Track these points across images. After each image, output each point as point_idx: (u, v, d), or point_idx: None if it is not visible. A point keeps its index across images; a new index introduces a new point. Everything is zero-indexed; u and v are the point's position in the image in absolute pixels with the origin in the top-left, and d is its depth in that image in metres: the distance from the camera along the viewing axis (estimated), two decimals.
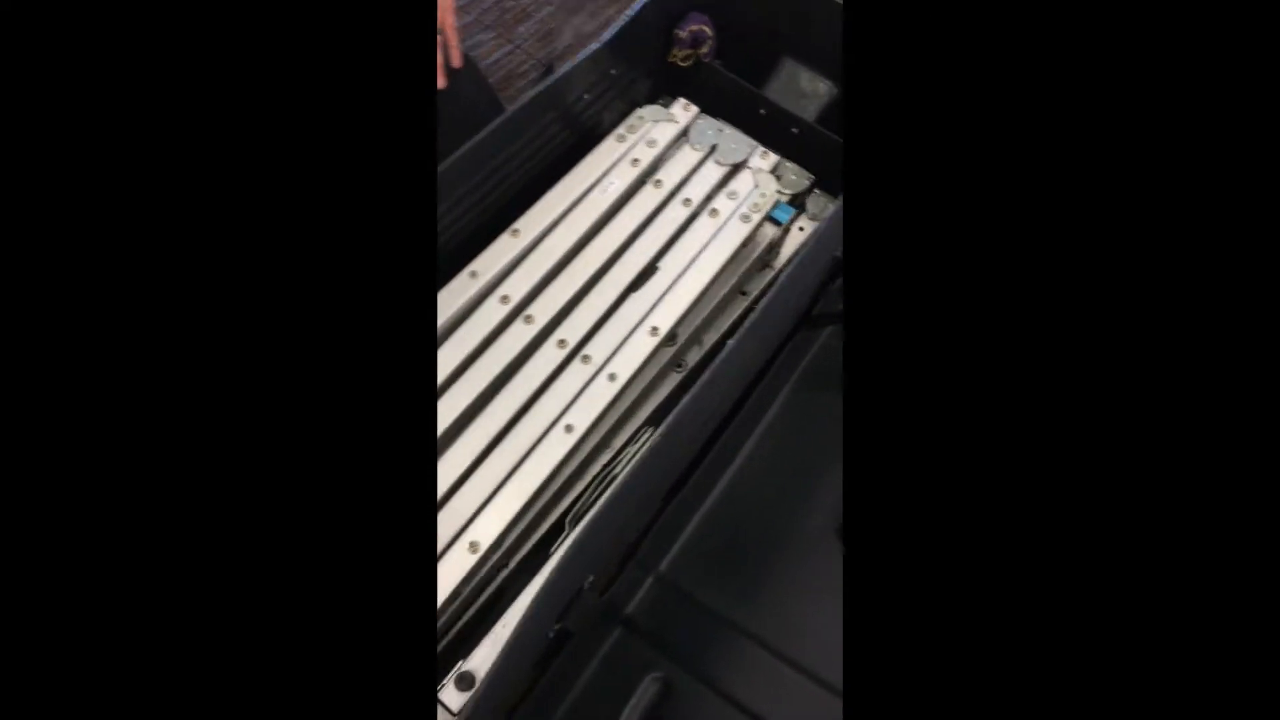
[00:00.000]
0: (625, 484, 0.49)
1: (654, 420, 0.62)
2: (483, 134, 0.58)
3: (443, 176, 0.57)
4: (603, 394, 0.53)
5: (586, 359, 0.55)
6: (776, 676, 0.56)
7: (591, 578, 0.49)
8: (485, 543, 0.49)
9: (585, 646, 0.58)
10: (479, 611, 0.54)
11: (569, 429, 0.52)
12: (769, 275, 0.68)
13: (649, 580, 0.61)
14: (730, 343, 0.61)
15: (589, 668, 0.58)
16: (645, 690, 0.57)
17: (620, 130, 0.63)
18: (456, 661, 0.50)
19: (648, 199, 0.60)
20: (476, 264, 0.57)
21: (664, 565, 0.61)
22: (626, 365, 0.54)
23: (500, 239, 0.58)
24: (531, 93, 0.60)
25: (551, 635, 0.48)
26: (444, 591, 0.47)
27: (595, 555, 0.49)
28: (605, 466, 0.59)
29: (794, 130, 0.68)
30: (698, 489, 0.64)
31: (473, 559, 0.48)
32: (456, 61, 0.64)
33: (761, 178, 0.61)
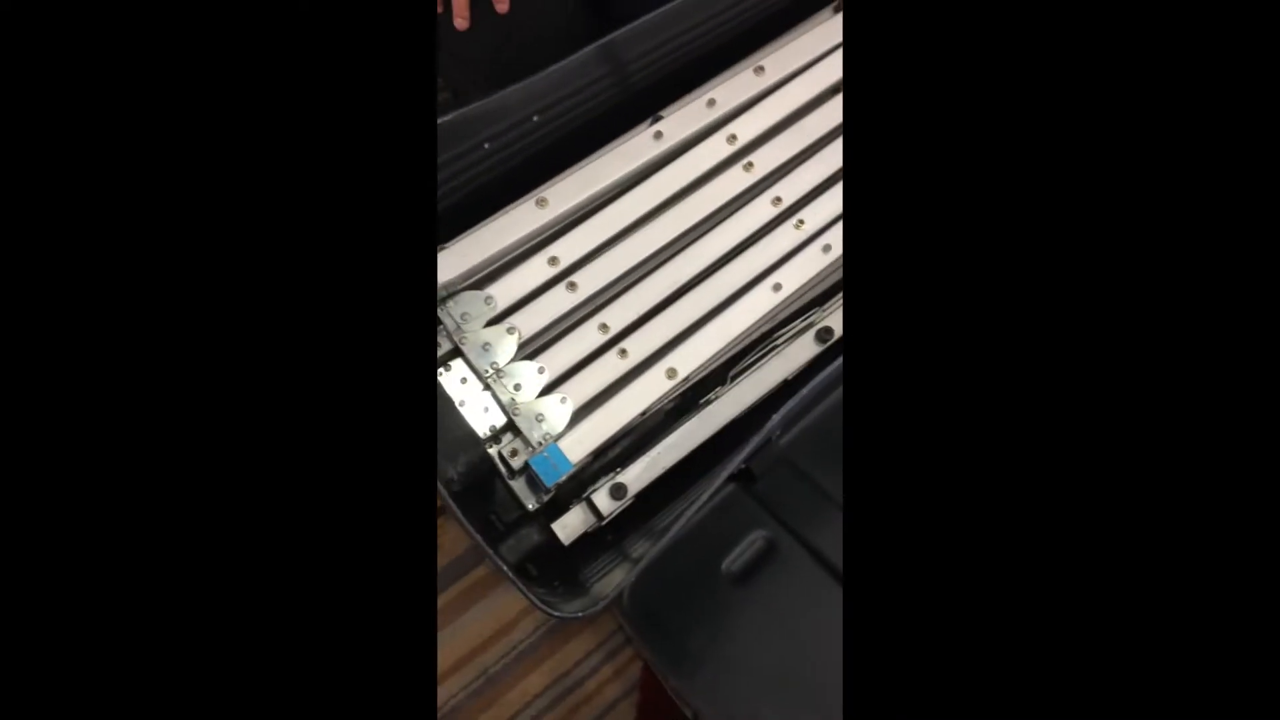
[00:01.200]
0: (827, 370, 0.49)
1: (820, 300, 0.62)
2: None
3: (687, 3, 0.53)
4: (815, 262, 0.53)
5: (801, 223, 0.54)
6: None
7: (779, 432, 0.50)
8: (683, 372, 0.49)
9: (701, 492, 0.62)
10: (632, 433, 0.55)
11: (777, 288, 0.52)
12: None
13: (770, 451, 0.63)
14: None
15: (703, 511, 0.62)
16: (752, 542, 0.61)
17: None
18: (611, 470, 0.53)
19: None
20: (716, 92, 0.54)
21: (784, 441, 0.63)
22: (841, 241, 0.53)
23: (743, 73, 0.55)
24: None
25: (736, 474, 0.50)
26: (638, 408, 0.48)
27: (789, 414, 0.50)
28: (769, 335, 0.59)
29: None
30: (830, 380, 0.66)
31: (668, 384, 0.49)
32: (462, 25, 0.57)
33: None
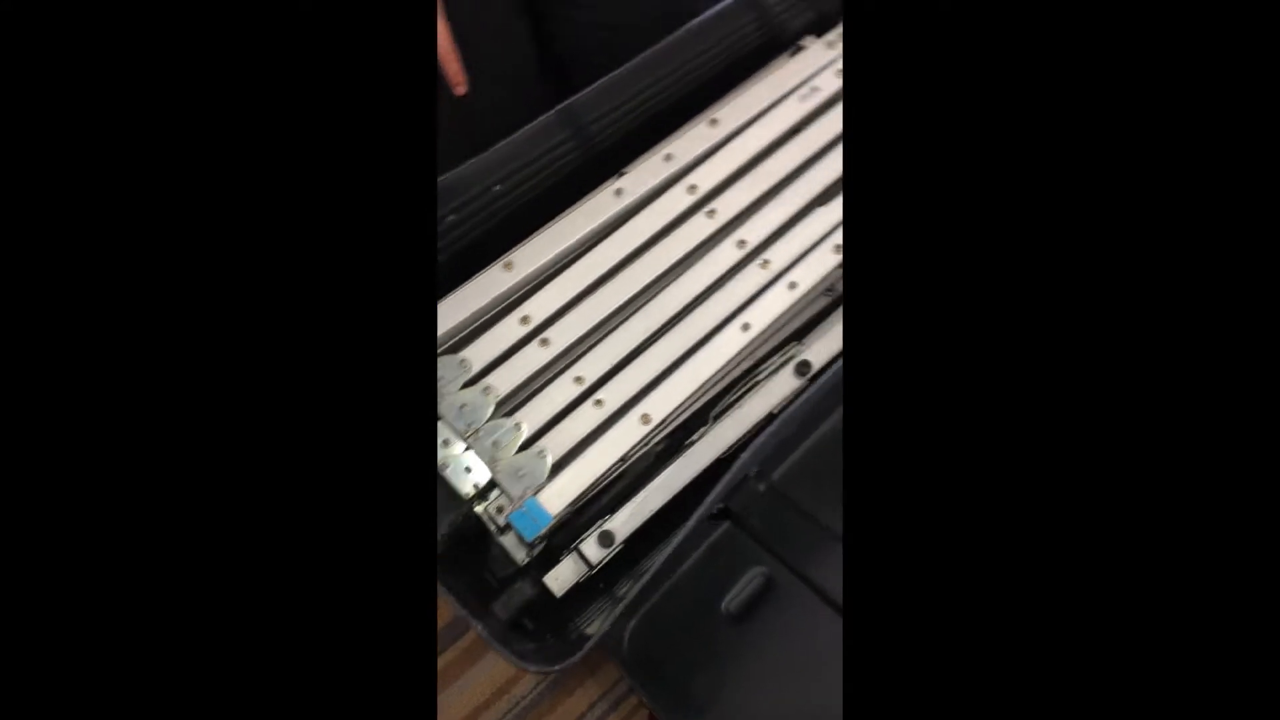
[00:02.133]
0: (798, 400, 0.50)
1: (798, 335, 0.63)
2: (686, 27, 0.57)
3: (646, 61, 0.56)
4: (782, 299, 0.54)
5: (766, 263, 0.55)
6: None
7: (757, 468, 0.51)
8: (656, 417, 0.50)
9: (697, 532, 0.62)
10: (617, 480, 0.56)
11: (745, 327, 0.53)
12: None
13: (761, 486, 0.64)
14: None
15: (697, 551, 0.62)
16: (751, 579, 0.60)
17: (830, 37, 0.60)
18: (598, 520, 0.53)
19: None
20: (672, 147, 0.56)
21: (777, 475, 0.64)
22: (808, 277, 0.55)
23: (698, 126, 0.57)
24: None
25: (714, 513, 0.51)
26: (615, 455, 0.50)
27: (764, 452, 0.51)
28: (748, 373, 0.60)
29: None
30: (820, 412, 0.66)
31: (643, 429, 0.50)
32: (460, 91, 0.60)
33: None
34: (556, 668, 0.40)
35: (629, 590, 0.47)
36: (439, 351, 0.51)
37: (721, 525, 0.64)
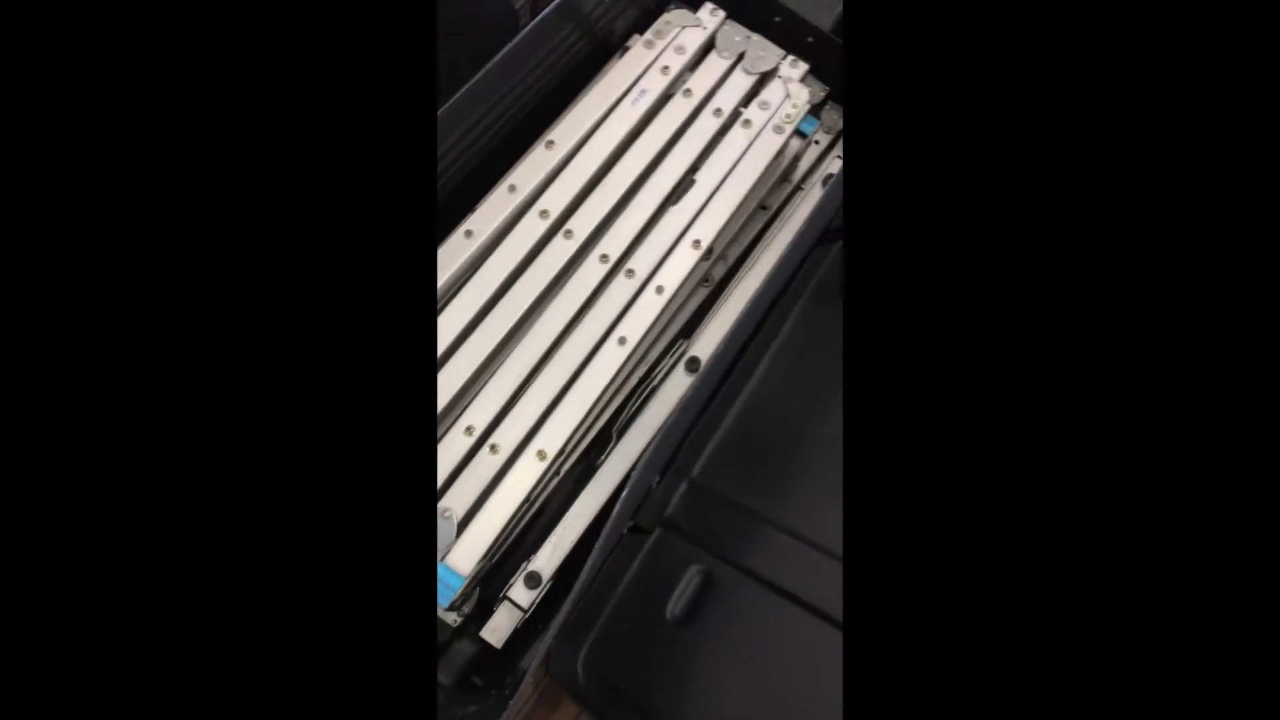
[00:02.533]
0: (682, 400, 0.51)
1: (685, 332, 0.64)
2: (508, 48, 0.56)
3: (470, 91, 0.55)
4: (652, 306, 0.54)
5: (631, 273, 0.55)
6: (797, 556, 0.61)
7: (658, 478, 0.51)
8: (551, 451, 0.50)
9: (629, 546, 0.62)
10: (537, 517, 0.56)
11: (622, 341, 0.53)
12: (787, 189, 0.69)
13: (683, 485, 0.64)
14: (765, 261, 0.62)
15: (634, 564, 0.62)
16: (690, 581, 0.61)
17: (649, 35, 0.61)
18: (522, 563, 0.53)
19: (678, 109, 0.60)
20: (514, 177, 0.56)
21: (696, 471, 0.64)
22: (672, 278, 0.55)
23: (535, 151, 0.57)
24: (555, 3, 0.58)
25: (626, 531, 0.51)
26: (517, 498, 0.49)
27: (661, 460, 0.51)
28: (644, 380, 0.61)
29: (809, 39, 0.68)
30: (724, 400, 0.67)
31: (541, 466, 0.50)
32: None
33: (793, 87, 0.61)
34: (475, 710, 0.40)
35: (553, 621, 0.46)
36: None
37: (653, 534, 0.65)
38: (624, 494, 0.45)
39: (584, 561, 0.53)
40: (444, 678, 0.51)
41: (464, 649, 0.53)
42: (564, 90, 0.66)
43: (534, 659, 0.43)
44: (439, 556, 0.47)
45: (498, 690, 0.48)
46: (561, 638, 0.54)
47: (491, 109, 0.60)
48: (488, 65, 0.56)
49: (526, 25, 0.59)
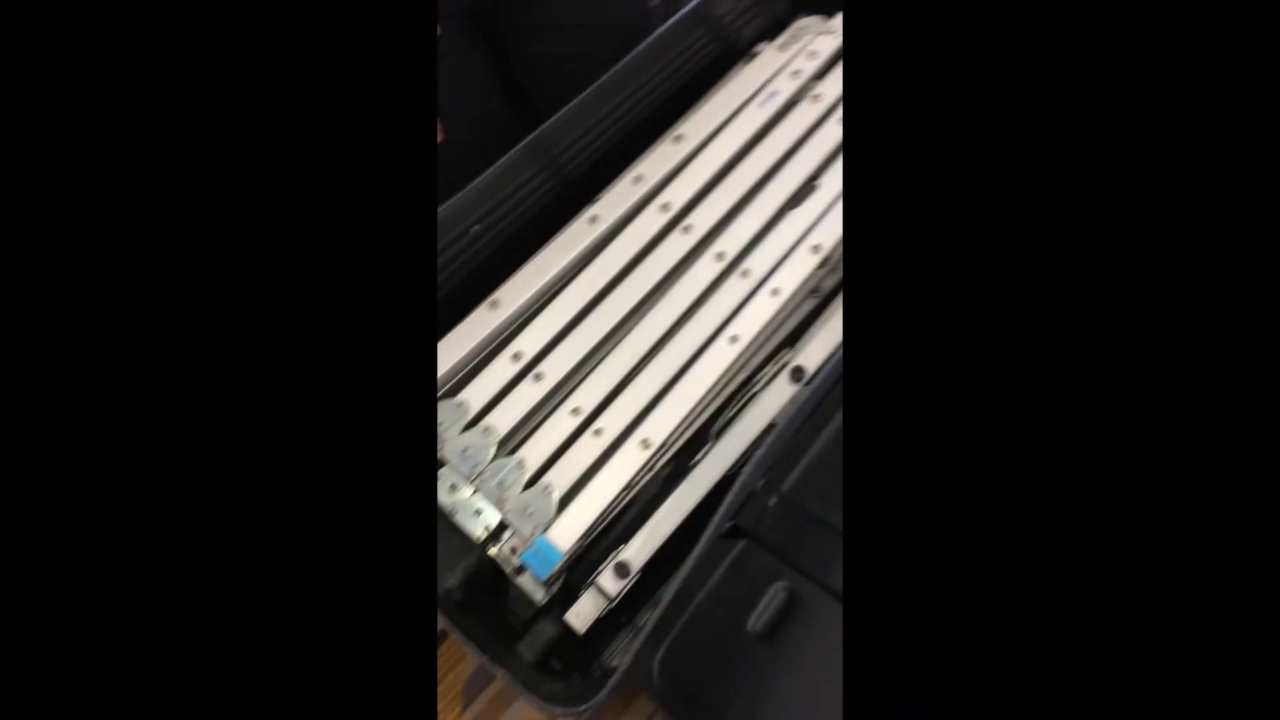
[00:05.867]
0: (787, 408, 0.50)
1: (789, 341, 0.63)
2: (644, 45, 0.58)
3: (605, 86, 0.57)
4: (766, 308, 0.54)
5: (746, 273, 0.55)
6: None
7: (763, 481, 0.50)
8: (656, 441, 0.50)
9: (713, 553, 0.61)
10: (625, 509, 0.56)
11: (733, 340, 0.53)
12: None
13: (774, 498, 0.63)
14: None
15: (716, 573, 0.61)
16: (774, 596, 0.59)
17: (782, 39, 0.61)
18: (610, 552, 0.53)
19: (806, 114, 0.59)
20: (640, 168, 0.56)
21: (787, 485, 0.63)
22: (789, 281, 0.55)
23: (663, 145, 0.57)
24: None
25: (724, 532, 0.50)
26: (618, 484, 0.49)
27: (766, 464, 0.51)
28: (744, 385, 0.60)
29: None
30: (823, 415, 0.66)
31: (644, 455, 0.50)
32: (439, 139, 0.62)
33: None
34: (583, 708, 0.39)
35: (649, 619, 0.46)
36: (437, 397, 0.51)
37: (738, 544, 0.63)
38: (731, 491, 0.44)
39: (671, 559, 0.52)
40: (526, 654, 0.51)
41: (546, 629, 0.52)
42: (689, 91, 0.66)
43: (625, 655, 0.43)
44: (540, 530, 0.47)
45: (580, 674, 0.48)
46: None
47: (621, 103, 0.61)
48: (622, 61, 0.58)
49: (659, 23, 0.60)
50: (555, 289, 0.54)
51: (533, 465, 0.50)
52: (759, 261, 0.55)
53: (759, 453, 0.46)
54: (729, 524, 0.49)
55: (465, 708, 0.61)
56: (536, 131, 0.56)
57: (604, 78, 0.57)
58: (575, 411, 0.51)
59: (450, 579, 0.49)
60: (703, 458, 0.56)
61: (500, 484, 0.50)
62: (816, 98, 0.60)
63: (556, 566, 0.46)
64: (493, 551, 0.51)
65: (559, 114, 0.57)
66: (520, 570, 0.52)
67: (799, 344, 0.61)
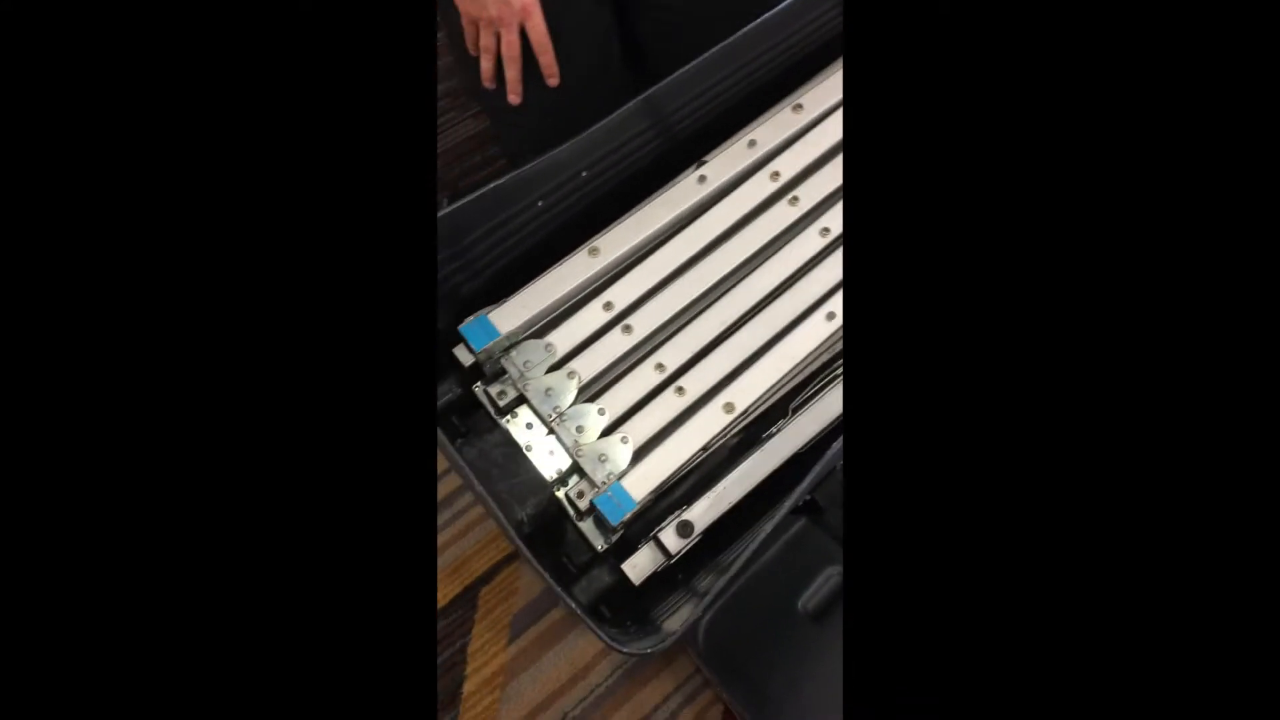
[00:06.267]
0: None
1: None
2: (769, 14, 0.56)
3: (726, 49, 0.56)
4: None
5: None
6: None
7: (841, 462, 0.50)
8: (740, 406, 0.50)
9: (774, 529, 0.61)
10: (693, 471, 0.56)
11: (830, 316, 0.52)
12: None
13: (836, 481, 0.62)
14: None
15: (773, 549, 0.61)
16: (828, 579, 0.59)
17: None
18: (674, 510, 0.53)
19: None
20: (756, 133, 0.55)
21: None
22: None
23: (782, 112, 0.56)
24: None
25: (799, 506, 0.50)
26: (696, 444, 0.49)
27: (839, 440, 0.50)
28: (828, 365, 0.59)
29: None
30: None
31: (726, 419, 0.50)
32: (554, 83, 0.61)
33: None
34: (650, 650, 0.40)
35: (713, 584, 0.46)
36: (526, 335, 0.52)
37: (798, 521, 0.63)
38: (816, 465, 0.44)
39: (732, 525, 0.52)
40: (581, 596, 0.52)
41: (601, 576, 0.53)
42: (813, 60, 0.65)
43: (693, 615, 0.43)
44: (613, 479, 0.48)
45: (634, 624, 0.48)
46: (693, 599, 0.54)
47: (739, 69, 0.60)
48: (745, 28, 0.56)
49: None
50: (655, 244, 0.54)
51: (612, 414, 0.51)
52: None
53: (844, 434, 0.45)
54: (807, 497, 0.49)
55: (510, 642, 0.63)
56: (653, 89, 0.56)
57: (725, 42, 0.56)
58: (659, 367, 0.51)
59: (520, 512, 0.50)
60: (778, 431, 0.55)
61: (578, 429, 0.50)
62: None
63: (629, 514, 0.47)
64: (560, 493, 0.52)
65: (677, 74, 0.56)
66: (586, 514, 0.52)
67: None
